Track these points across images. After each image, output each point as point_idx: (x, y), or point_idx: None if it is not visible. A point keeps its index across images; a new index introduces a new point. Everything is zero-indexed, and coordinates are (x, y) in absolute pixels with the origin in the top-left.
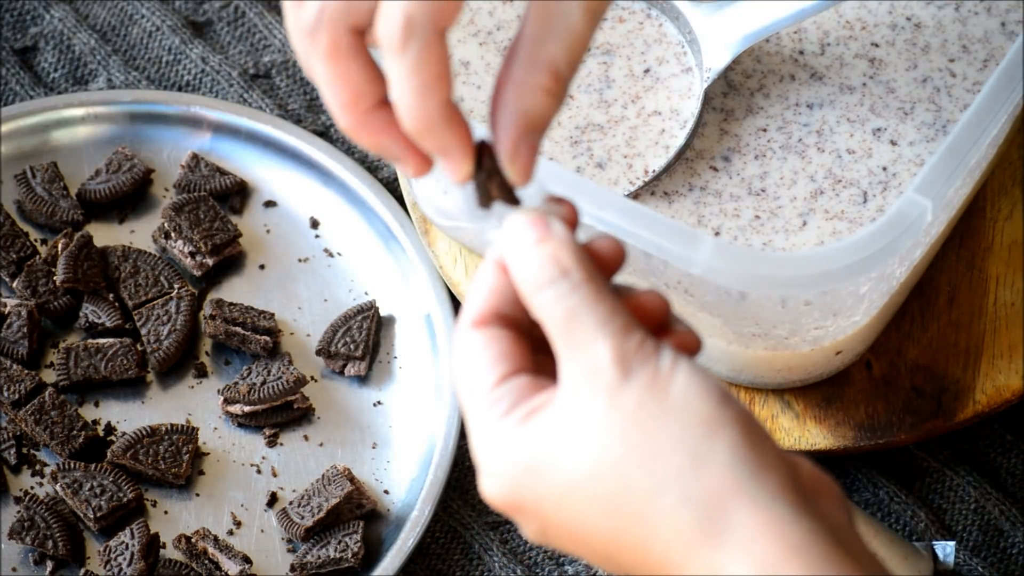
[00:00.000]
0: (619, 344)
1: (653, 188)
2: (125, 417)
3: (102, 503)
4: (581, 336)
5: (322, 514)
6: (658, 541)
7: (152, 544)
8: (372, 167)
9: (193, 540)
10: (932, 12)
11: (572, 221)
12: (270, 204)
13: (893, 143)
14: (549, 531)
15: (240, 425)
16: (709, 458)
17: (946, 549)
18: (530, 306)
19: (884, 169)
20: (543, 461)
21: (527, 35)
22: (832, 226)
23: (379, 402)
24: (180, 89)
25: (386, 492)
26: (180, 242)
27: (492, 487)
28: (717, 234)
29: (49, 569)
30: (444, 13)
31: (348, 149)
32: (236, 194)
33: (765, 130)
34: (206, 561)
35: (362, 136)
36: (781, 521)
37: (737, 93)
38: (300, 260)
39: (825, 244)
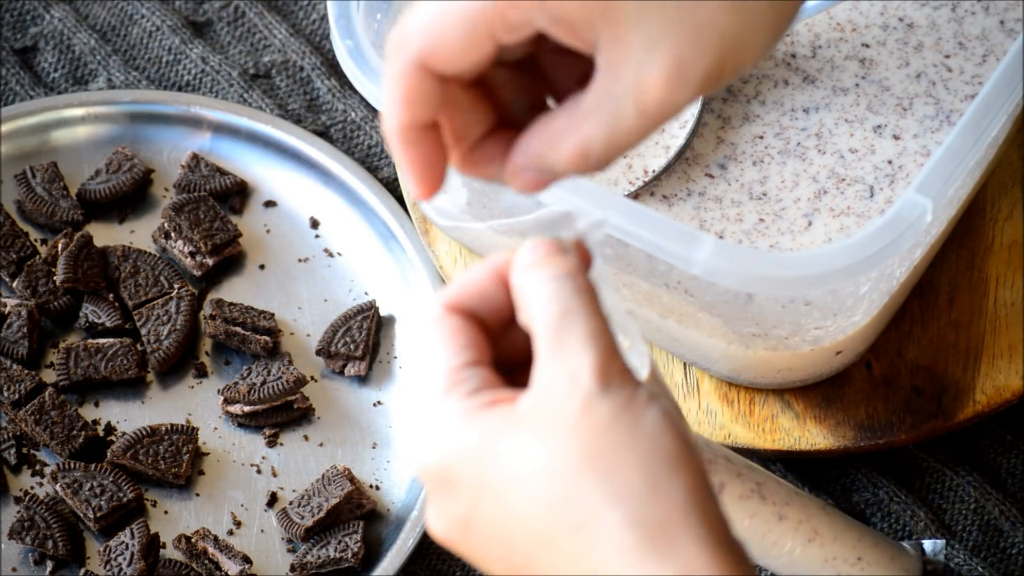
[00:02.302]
0: (605, 359)
1: (652, 190)
2: (125, 417)
3: (102, 503)
4: (570, 339)
5: (322, 514)
6: (595, 555)
7: (152, 544)
8: (372, 167)
9: (193, 540)
10: (927, 13)
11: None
12: (270, 204)
13: (896, 137)
14: (473, 520)
15: (240, 425)
16: (666, 490)
17: (936, 546)
18: (526, 299)
19: (889, 163)
20: (496, 448)
21: (585, 94)
22: (839, 222)
23: (379, 402)
24: (180, 89)
25: (386, 492)
26: (180, 242)
27: (432, 455)
28: (721, 238)
29: (49, 569)
30: (437, 52)
31: (348, 149)
32: (236, 194)
33: (762, 137)
34: (206, 561)
35: (402, 153)
36: (726, 561)
37: (735, 100)
38: (300, 260)
39: (833, 241)
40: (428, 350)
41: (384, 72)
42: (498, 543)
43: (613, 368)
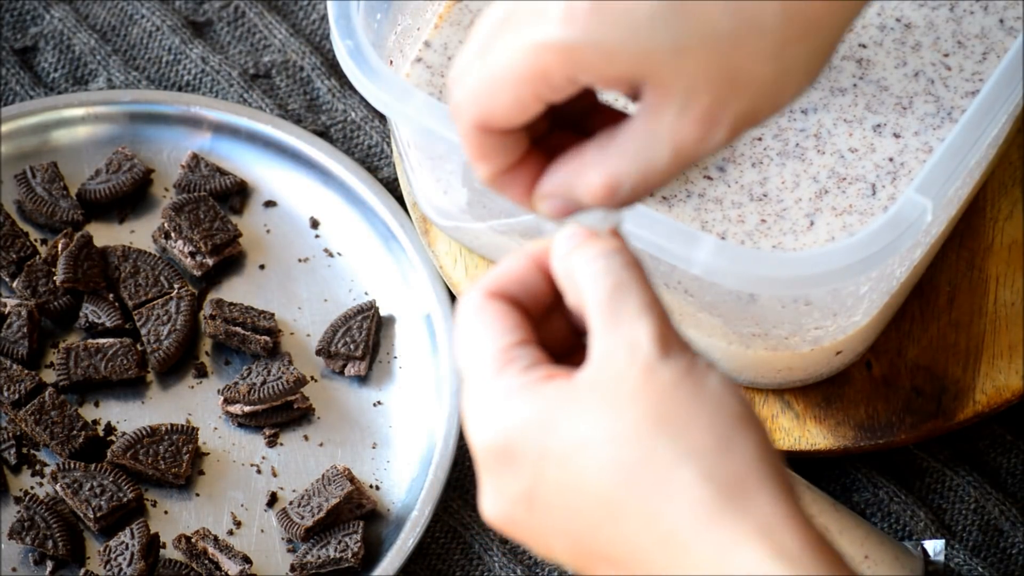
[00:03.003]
0: (663, 327)
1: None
2: (125, 417)
3: (102, 503)
4: (625, 310)
5: (322, 514)
6: (669, 513)
7: (152, 544)
8: (372, 167)
9: (193, 540)
10: (925, 13)
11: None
12: (270, 204)
13: (896, 136)
14: (536, 493)
15: (240, 425)
16: (737, 448)
17: (936, 547)
18: (576, 278)
19: (890, 160)
20: (559, 417)
21: (619, 131)
22: (842, 221)
23: (379, 402)
24: (180, 89)
25: (386, 492)
26: (180, 242)
27: (489, 431)
28: (723, 239)
29: (49, 569)
30: (490, 118)
31: (348, 149)
32: (236, 194)
33: (760, 139)
34: (206, 561)
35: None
36: (801, 518)
37: None
38: (300, 260)
39: (836, 240)
40: (469, 338)
41: (457, 132)
42: (563, 514)
43: (671, 336)
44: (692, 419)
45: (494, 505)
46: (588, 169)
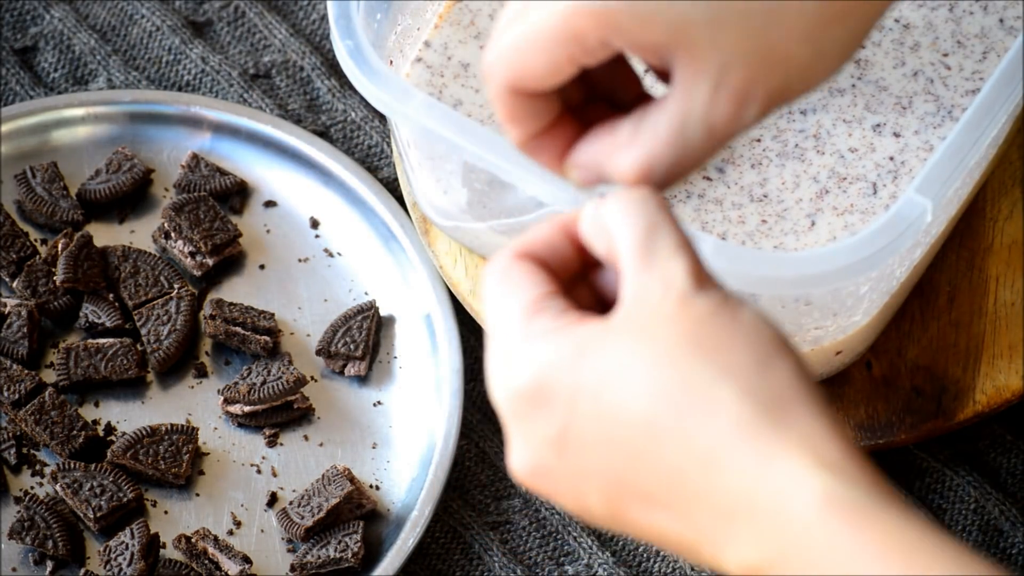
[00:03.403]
0: (696, 264)
1: None
2: (125, 417)
3: (102, 503)
4: (660, 249)
5: (322, 514)
6: (709, 431)
7: (152, 544)
8: (372, 167)
9: (193, 540)
10: (924, 14)
11: None
12: (270, 204)
13: (896, 135)
14: (569, 431)
15: (240, 425)
16: (775, 367)
17: None
18: (609, 223)
19: (891, 159)
20: (592, 351)
21: (653, 110)
22: (843, 220)
23: (379, 402)
24: (180, 89)
25: (386, 492)
26: (180, 242)
27: (520, 374)
28: (724, 240)
29: (49, 569)
30: (523, 80)
31: (348, 149)
32: (236, 194)
33: (759, 140)
34: (206, 561)
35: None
36: (841, 431)
37: None
38: (300, 260)
39: (838, 239)
40: (498, 294)
41: (488, 94)
42: (597, 450)
43: (704, 273)
44: (730, 342)
45: (522, 456)
46: (621, 151)
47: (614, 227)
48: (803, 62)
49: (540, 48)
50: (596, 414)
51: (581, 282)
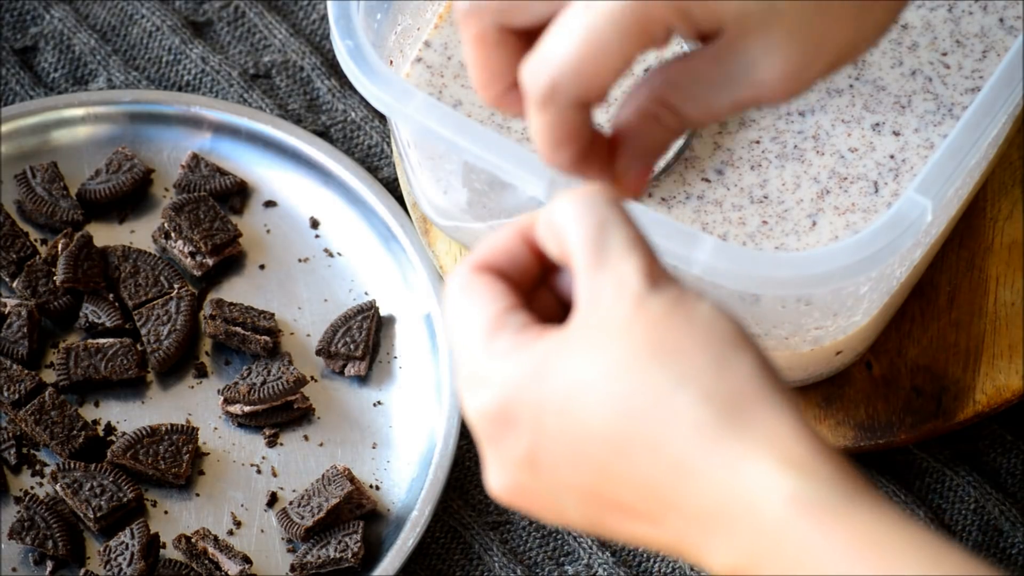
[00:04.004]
0: (649, 261)
1: (651, 191)
2: (125, 417)
3: (102, 503)
4: (610, 248)
5: (322, 514)
6: (675, 437)
7: (152, 544)
8: (372, 167)
9: (193, 540)
10: (922, 14)
11: None
12: (270, 204)
13: (896, 134)
14: (539, 449)
15: (240, 425)
16: (734, 366)
17: None
18: (558, 223)
19: (891, 157)
20: (551, 367)
21: (695, 76)
22: (845, 220)
23: (379, 402)
24: (180, 89)
25: (386, 492)
26: (180, 242)
27: (485, 396)
28: (724, 240)
29: (49, 569)
30: (591, 88)
31: (348, 149)
32: (236, 194)
33: (758, 142)
34: (206, 561)
35: (500, 111)
36: (806, 427)
37: None
38: (300, 260)
39: (840, 239)
40: (459, 310)
41: (534, 115)
42: (570, 464)
43: (658, 269)
44: (685, 344)
45: (499, 476)
46: (669, 111)
47: (564, 227)
48: (848, 42)
49: (613, 48)
50: (563, 431)
51: (543, 287)
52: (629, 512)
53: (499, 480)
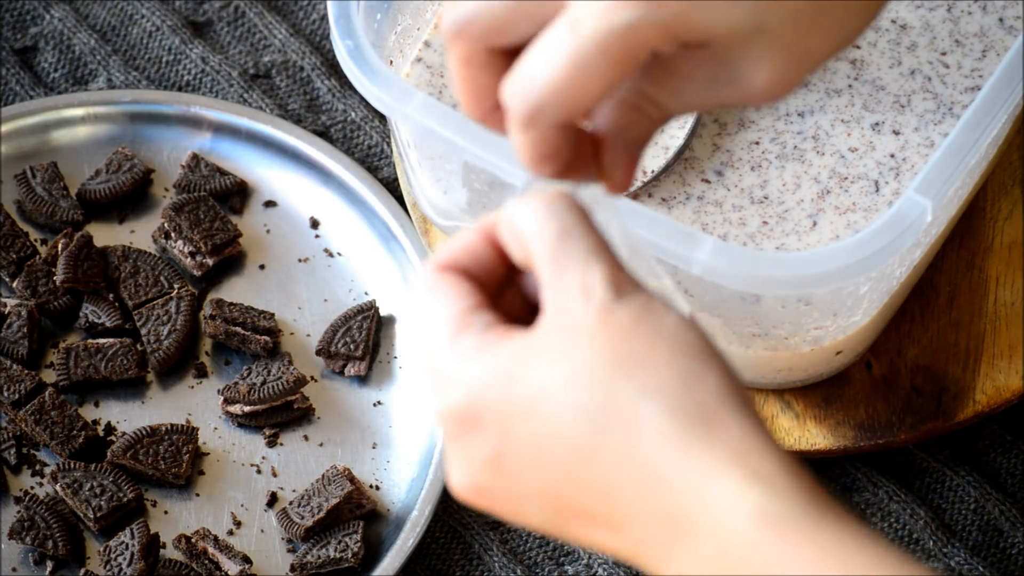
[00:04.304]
0: (614, 270)
1: (651, 191)
2: (125, 417)
3: (102, 503)
4: (573, 255)
5: (322, 514)
6: (640, 448)
7: (152, 544)
8: (372, 167)
9: (193, 540)
10: (921, 15)
11: None
12: (270, 204)
13: (896, 133)
14: (504, 452)
15: (240, 425)
16: (700, 379)
17: None
18: (521, 228)
19: (892, 156)
20: (519, 370)
21: (678, 83)
22: (846, 219)
23: (379, 402)
24: (180, 89)
25: (386, 492)
26: (180, 242)
27: (451, 395)
28: (725, 241)
29: (49, 569)
30: (575, 110)
31: (348, 149)
32: (236, 194)
33: (758, 143)
34: (206, 561)
35: (487, 128)
36: (771, 442)
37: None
38: (300, 260)
39: (841, 238)
40: (426, 310)
41: (517, 134)
42: (534, 470)
43: (623, 278)
44: (652, 356)
45: (461, 475)
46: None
47: (527, 233)
48: (831, 51)
49: (596, 73)
50: (528, 436)
51: (509, 287)
52: (590, 519)
53: (462, 479)
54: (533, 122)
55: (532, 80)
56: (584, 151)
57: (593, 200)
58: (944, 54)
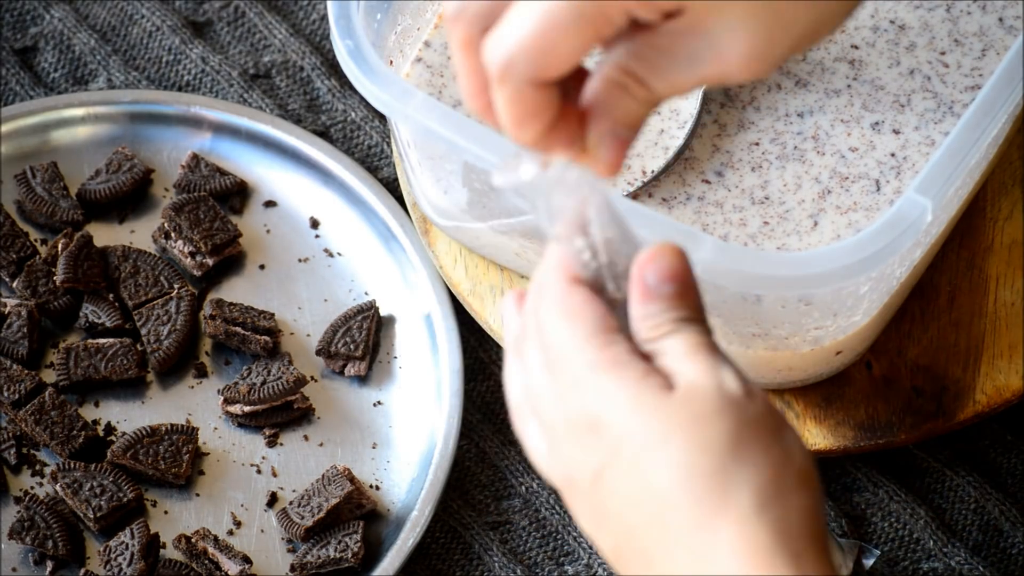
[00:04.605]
0: (742, 374)
1: (651, 191)
2: (125, 417)
3: (102, 503)
4: (709, 358)
5: (322, 514)
6: (715, 532)
7: (152, 544)
8: (372, 167)
9: (193, 540)
10: (920, 15)
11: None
12: (270, 204)
13: (896, 132)
14: (605, 472)
15: (240, 425)
16: (798, 498)
17: (870, 554)
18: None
19: (892, 155)
20: (651, 408)
21: (658, 54)
22: (847, 219)
23: (379, 402)
24: (180, 89)
25: (386, 492)
26: (180, 242)
27: (585, 397)
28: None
29: (49, 569)
30: (547, 67)
31: (348, 149)
32: (236, 194)
33: (758, 144)
34: (206, 561)
35: (488, 120)
36: None
37: (732, 105)
38: (300, 260)
39: (842, 238)
40: (559, 322)
41: (499, 95)
42: (624, 500)
43: (751, 383)
44: (766, 454)
45: (563, 464)
46: (635, 86)
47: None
48: (811, 26)
49: (568, 30)
50: (633, 467)
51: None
52: (649, 563)
53: (560, 467)
54: (506, 77)
55: (505, 36)
56: (569, 124)
57: (577, 177)
58: (943, 53)
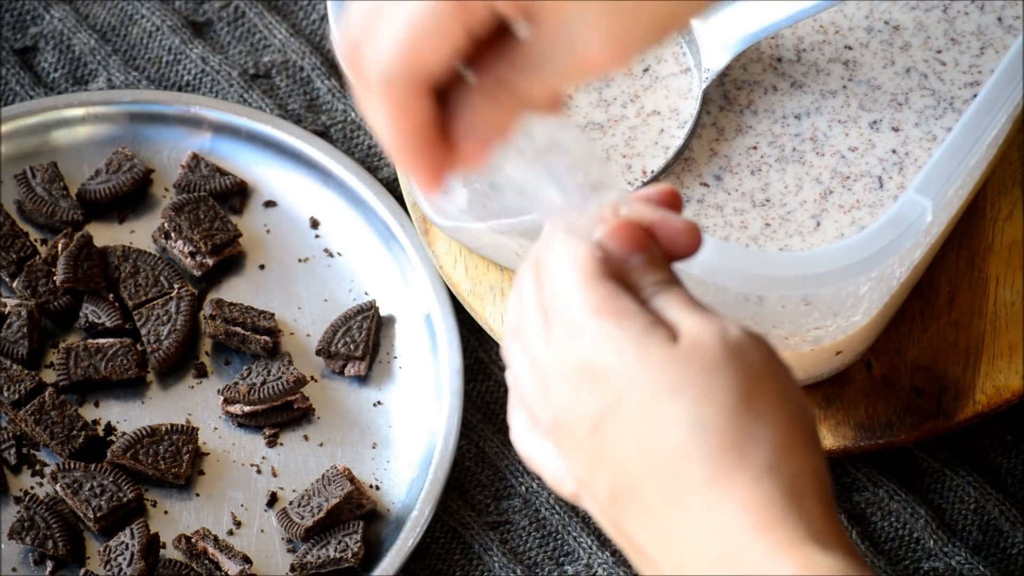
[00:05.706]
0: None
1: None
2: (125, 417)
3: (102, 503)
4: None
5: (322, 514)
6: (733, 494)
7: (152, 544)
8: (372, 167)
9: (193, 540)
10: (916, 16)
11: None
12: (270, 204)
13: (895, 129)
14: (613, 416)
15: (240, 425)
16: (804, 455)
17: None
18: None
19: (893, 152)
20: (657, 357)
21: (536, 48)
22: (850, 217)
23: (379, 402)
24: (180, 89)
25: (386, 492)
26: (180, 242)
27: (586, 343)
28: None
29: (49, 569)
30: (423, 65)
31: (348, 149)
32: (236, 194)
33: (756, 147)
34: (206, 561)
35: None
36: (843, 532)
37: (731, 108)
38: (300, 260)
39: (846, 236)
40: (557, 266)
41: (369, 101)
42: (624, 448)
43: (754, 332)
44: (778, 410)
45: (553, 408)
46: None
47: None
48: (664, 8)
49: (436, 28)
50: (637, 416)
51: None
52: (649, 517)
53: (549, 411)
54: (383, 84)
55: (379, 45)
56: (436, 144)
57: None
58: (940, 52)
